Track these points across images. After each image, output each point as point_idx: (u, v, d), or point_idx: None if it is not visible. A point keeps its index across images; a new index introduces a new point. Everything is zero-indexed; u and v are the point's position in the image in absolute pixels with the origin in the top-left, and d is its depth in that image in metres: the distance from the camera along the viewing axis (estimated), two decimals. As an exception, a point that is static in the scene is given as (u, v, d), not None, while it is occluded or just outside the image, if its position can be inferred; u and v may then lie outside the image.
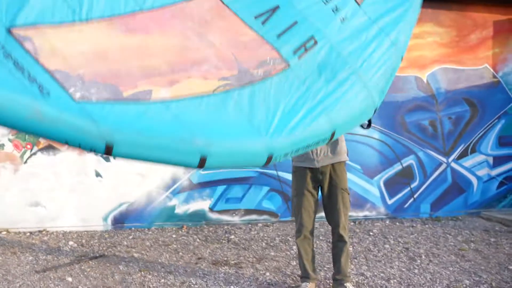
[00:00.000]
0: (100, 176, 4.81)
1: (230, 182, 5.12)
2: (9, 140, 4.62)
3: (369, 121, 2.54)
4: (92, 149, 1.43)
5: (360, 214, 5.42)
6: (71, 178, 4.76)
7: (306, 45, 1.92)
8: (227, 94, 1.72)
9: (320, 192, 2.89)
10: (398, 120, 5.55)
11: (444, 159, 5.69)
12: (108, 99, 1.52)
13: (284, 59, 1.86)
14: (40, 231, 4.63)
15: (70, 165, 4.75)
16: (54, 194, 4.70)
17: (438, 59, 5.69)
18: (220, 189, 5.09)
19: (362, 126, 2.62)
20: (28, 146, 4.65)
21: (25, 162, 4.65)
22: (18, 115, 1.30)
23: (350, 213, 5.28)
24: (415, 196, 5.60)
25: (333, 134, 1.85)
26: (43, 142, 4.69)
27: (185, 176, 4.99)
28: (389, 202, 5.53)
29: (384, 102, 5.35)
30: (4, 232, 4.54)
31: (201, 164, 1.58)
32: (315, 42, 1.94)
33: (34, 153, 4.68)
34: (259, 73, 1.82)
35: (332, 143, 2.67)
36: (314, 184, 2.83)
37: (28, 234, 4.54)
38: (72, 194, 4.75)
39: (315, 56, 1.92)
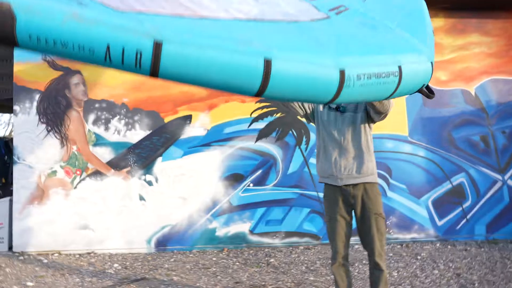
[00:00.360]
0: (144, 199, 4.97)
1: (270, 204, 5.08)
2: (61, 166, 4.92)
3: (430, 90, 2.27)
4: (138, 52, 1.23)
5: (407, 236, 5.14)
6: (117, 202, 4.96)
7: (339, 8, 2.02)
8: (292, 24, 1.72)
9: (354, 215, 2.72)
10: (444, 136, 5.27)
11: (499, 177, 5.29)
12: (160, 13, 1.39)
13: (324, 13, 1.95)
14: (88, 253, 4.83)
15: (116, 190, 4.96)
16: (102, 217, 4.92)
17: (486, 70, 5.38)
18: (260, 211, 5.07)
19: (426, 92, 2.20)
20: (78, 172, 4.93)
21: (75, 187, 4.92)
22: (55, 19, 1.20)
23: (396, 236, 5.08)
24: (468, 217, 5.23)
25: (400, 72, 1.70)
26: (91, 168, 4.95)
27: (225, 198, 5.03)
28: (439, 223, 5.20)
29: (429, 118, 5.19)
30: (56, 254, 4.79)
31: (266, 74, 1.36)
32: (346, 8, 2.04)
33: (83, 179, 4.94)
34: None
35: (358, 161, 2.55)
36: (347, 208, 2.66)
37: (78, 256, 4.76)
38: (118, 217, 4.94)
39: (351, 15, 2.00)
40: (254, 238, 5.03)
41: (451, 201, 5.24)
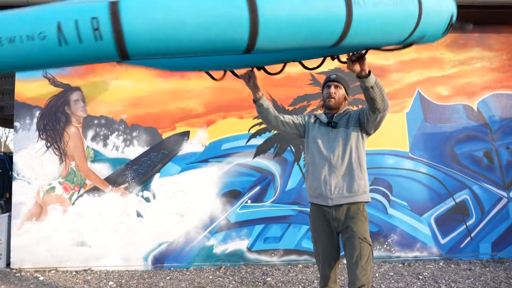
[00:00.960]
0: (141, 216, 4.94)
1: (268, 221, 5.01)
2: (59, 183, 4.93)
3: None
4: (93, 20, 1.05)
5: (410, 254, 5.02)
6: (115, 218, 4.94)
7: None
8: None
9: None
10: (447, 152, 5.17)
11: (504, 193, 5.16)
12: None
13: None
14: (85, 270, 4.80)
15: (113, 206, 4.95)
16: (99, 234, 4.90)
17: (489, 85, 5.30)
18: (258, 228, 5.00)
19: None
20: (76, 188, 4.94)
21: (73, 203, 4.92)
22: None
23: (398, 254, 4.95)
24: (472, 235, 5.09)
25: (420, 8, 1.58)
26: (89, 184, 4.95)
27: (222, 215, 4.98)
28: (442, 241, 5.07)
29: (430, 133, 5.11)
30: (53, 271, 4.77)
31: (253, 20, 1.13)
32: None
33: (81, 195, 4.94)
34: None
35: (349, 179, 2.38)
36: (332, 229, 2.48)
37: (74, 273, 4.73)
38: (115, 234, 4.91)
39: None
40: (252, 256, 4.95)
41: (455, 219, 5.11)
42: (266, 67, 2.36)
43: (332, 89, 2.53)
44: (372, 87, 2.16)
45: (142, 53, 1.11)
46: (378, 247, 5.01)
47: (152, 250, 4.91)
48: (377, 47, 1.81)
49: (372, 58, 5.20)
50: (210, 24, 1.10)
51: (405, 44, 1.79)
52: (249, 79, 2.45)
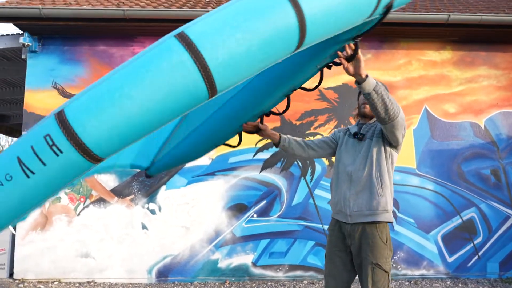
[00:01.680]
0: (146, 228, 4.92)
1: (274, 236, 4.98)
2: (65, 193, 4.93)
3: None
4: (46, 137, 1.02)
5: (416, 272, 4.96)
6: (120, 230, 4.92)
7: None
8: None
9: None
10: (454, 169, 5.15)
11: (511, 212, 5.12)
12: None
13: None
14: (88, 282, 4.76)
15: (119, 218, 4.93)
16: (103, 245, 4.87)
17: (496, 103, 5.31)
18: (264, 243, 4.96)
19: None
20: (82, 199, 4.93)
21: (78, 214, 4.90)
22: None
23: (404, 271, 4.90)
24: (479, 253, 5.04)
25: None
26: (95, 195, 4.94)
27: (228, 229, 4.95)
28: (449, 260, 5.02)
29: (437, 150, 5.10)
30: (56, 283, 4.73)
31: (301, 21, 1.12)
32: None
33: (87, 206, 4.93)
34: None
35: (368, 196, 2.15)
36: (345, 248, 2.26)
37: (77, 285, 4.69)
38: (120, 246, 4.88)
39: None
40: (257, 271, 4.90)
41: (462, 237, 5.07)
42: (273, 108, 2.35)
43: None
44: (369, 94, 1.92)
45: (110, 149, 1.06)
46: (384, 264, 4.96)
47: (156, 263, 4.87)
48: (355, 34, 1.71)
49: (379, 75, 5.23)
50: (167, 105, 1.06)
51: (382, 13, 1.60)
52: (261, 131, 2.36)
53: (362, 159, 2.23)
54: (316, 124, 5.12)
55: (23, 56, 4.99)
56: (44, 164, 1.00)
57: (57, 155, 0.99)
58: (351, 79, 2.20)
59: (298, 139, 2.49)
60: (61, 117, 0.99)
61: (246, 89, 2.10)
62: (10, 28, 14.80)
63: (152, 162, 2.52)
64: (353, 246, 2.21)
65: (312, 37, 1.19)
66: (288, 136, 2.48)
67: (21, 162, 1.00)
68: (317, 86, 2.11)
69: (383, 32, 5.17)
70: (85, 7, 4.71)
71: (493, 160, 5.20)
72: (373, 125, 2.31)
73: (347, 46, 1.81)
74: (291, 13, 1.09)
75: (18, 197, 1.05)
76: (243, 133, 2.42)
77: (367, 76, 1.91)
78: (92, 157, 1.02)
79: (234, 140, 2.47)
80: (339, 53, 1.83)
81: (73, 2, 5.03)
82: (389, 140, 2.18)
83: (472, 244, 5.05)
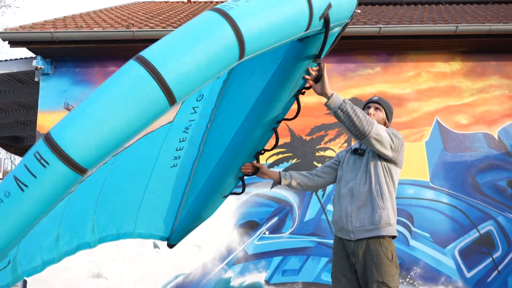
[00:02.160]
0: (158, 247, 4.89)
1: (286, 253, 4.91)
2: (77, 213, 4.94)
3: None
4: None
5: (434, 289, 4.83)
6: (131, 249, 4.90)
7: None
8: None
9: None
10: (468, 181, 5.05)
11: (530, 224, 4.98)
12: None
13: None
14: (101, 303, 4.73)
15: (130, 237, 4.91)
16: (115, 265, 4.85)
17: (510, 113, 5.23)
18: (276, 260, 4.89)
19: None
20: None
21: (90, 234, 4.90)
22: None
23: (422, 287, 4.78)
24: (499, 268, 4.89)
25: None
26: (107, 214, 4.95)
27: (240, 246, 4.90)
28: (468, 275, 4.87)
29: (451, 162, 5.02)
30: (69, 304, 4.71)
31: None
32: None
33: (99, 226, 4.93)
34: None
35: (370, 208, 2.12)
36: (350, 267, 2.20)
37: (90, 306, 4.66)
38: (132, 266, 4.86)
39: None
40: (270, 289, 4.83)
41: (480, 251, 4.93)
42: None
43: (372, 110, 2.31)
44: (335, 112, 1.97)
45: (91, 158, 1.18)
46: (400, 281, 4.84)
47: (168, 282, 4.83)
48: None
49: (388, 88, 5.21)
50: (134, 115, 1.19)
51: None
52: (259, 170, 2.36)
53: (363, 174, 2.21)
54: (326, 139, 5.09)
55: (36, 79, 5.09)
56: (35, 177, 1.14)
57: (45, 166, 1.13)
58: (360, 93, 2.20)
59: (301, 172, 2.44)
60: (47, 136, 1.14)
61: (237, 135, 2.18)
62: (23, 52, 15.15)
63: (172, 231, 2.70)
64: (357, 265, 2.14)
65: (251, 51, 1.32)
66: (290, 171, 2.43)
67: (16, 179, 1.15)
68: (297, 114, 2.15)
69: (391, 45, 5.17)
70: (95, 29, 4.81)
71: (509, 171, 5.09)
72: None
73: (310, 69, 1.90)
74: (230, 34, 1.24)
75: (16, 212, 1.18)
76: (246, 178, 2.48)
77: (333, 94, 1.98)
78: (75, 167, 1.15)
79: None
80: (306, 76, 1.92)
81: (84, 25, 5.15)
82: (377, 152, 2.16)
83: (491, 259, 4.91)
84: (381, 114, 2.32)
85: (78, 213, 2.23)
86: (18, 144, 9.75)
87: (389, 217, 2.12)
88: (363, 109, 2.39)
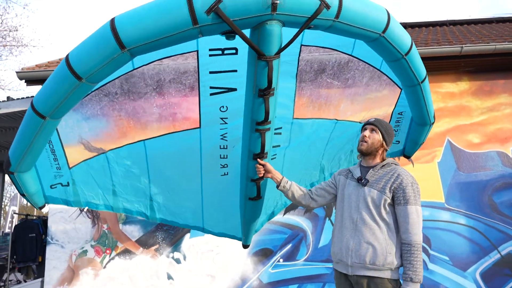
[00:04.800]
0: (172, 278, 4.85)
1: (302, 280, 4.82)
2: (91, 246, 4.97)
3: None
4: None
5: (457, 314, 4.66)
6: (145, 281, 4.87)
7: None
8: None
9: None
10: (485, 201, 4.96)
11: (553, 244, 4.83)
12: None
13: None
14: (115, 338, 4.67)
15: (144, 269, 4.90)
16: (130, 298, 4.81)
17: (522, 130, 5.17)
18: (292, 288, 4.80)
19: None
20: (108, 251, 4.94)
21: (104, 267, 4.90)
22: None
23: (443, 315, 4.61)
24: (524, 290, 4.71)
25: None
26: (120, 247, 4.96)
27: (254, 275, 4.84)
28: (492, 299, 4.71)
29: (465, 182, 4.94)
30: None
31: None
32: None
33: (113, 258, 4.94)
34: None
35: (373, 249, 2.03)
36: None
37: None
38: (146, 298, 4.81)
39: None
40: (287, 319, 4.72)
41: (503, 273, 4.77)
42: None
43: (367, 132, 2.24)
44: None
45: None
46: (421, 307, 4.69)
47: (183, 315, 4.76)
48: None
49: (398, 110, 5.22)
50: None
51: None
52: (265, 171, 2.33)
53: (369, 209, 2.10)
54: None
55: (51, 115, 5.25)
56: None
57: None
58: (370, 116, 2.22)
59: (302, 187, 2.42)
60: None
61: (242, 139, 2.32)
62: (38, 89, 15.66)
63: (244, 234, 2.98)
64: None
65: (131, 37, 1.61)
66: (293, 182, 2.41)
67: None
68: (266, 116, 2.09)
69: (397, 68, 5.21)
70: (108, 65, 4.98)
71: (526, 189, 4.98)
72: (383, 174, 2.17)
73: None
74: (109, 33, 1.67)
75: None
76: None
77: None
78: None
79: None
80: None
81: (97, 61, 5.33)
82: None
83: (514, 281, 4.74)
84: (377, 136, 2.22)
85: (134, 185, 2.64)
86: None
87: (394, 261, 2.02)
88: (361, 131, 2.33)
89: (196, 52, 2.09)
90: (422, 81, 2.21)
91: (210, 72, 2.19)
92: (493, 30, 6.68)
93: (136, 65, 2.20)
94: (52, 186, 2.56)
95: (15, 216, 16.13)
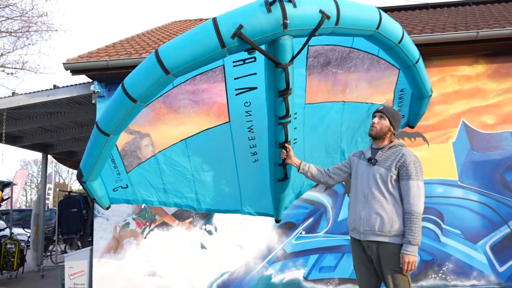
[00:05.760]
0: (205, 248, 5.41)
1: (322, 251, 5.28)
2: (133, 219, 5.56)
3: None
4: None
5: (467, 283, 5.04)
6: (181, 250, 5.44)
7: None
8: None
9: None
10: (497, 179, 5.24)
11: (562, 219, 5.09)
12: None
13: None
14: (156, 299, 5.29)
15: (180, 239, 5.46)
16: (168, 265, 5.41)
17: (536, 111, 5.37)
18: (313, 258, 5.28)
19: None
20: (147, 224, 5.53)
21: (145, 237, 5.50)
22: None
23: (455, 282, 4.99)
24: (532, 262, 5.03)
25: None
26: (159, 220, 5.53)
27: (279, 246, 5.33)
28: (500, 269, 5.05)
29: (479, 162, 5.27)
30: (129, 299, 5.30)
31: None
32: None
33: (152, 230, 5.52)
34: None
35: (381, 219, 2.41)
36: (367, 257, 2.53)
37: (147, 301, 5.23)
38: (182, 265, 5.39)
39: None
40: (308, 285, 5.21)
41: (511, 246, 5.09)
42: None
43: (376, 119, 2.59)
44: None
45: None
46: (433, 276, 5.09)
47: (215, 280, 5.33)
48: None
49: (414, 93, 5.48)
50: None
51: None
52: (288, 157, 2.77)
53: (378, 185, 2.46)
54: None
55: (93, 101, 5.77)
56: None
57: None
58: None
59: (319, 167, 2.83)
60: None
61: (268, 131, 2.81)
62: (79, 78, 16.38)
63: (276, 210, 3.51)
64: (373, 256, 2.48)
65: (172, 63, 2.04)
66: (310, 164, 2.82)
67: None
68: (287, 112, 2.55)
69: (414, 53, 5.45)
70: (143, 55, 5.43)
71: (538, 168, 5.23)
72: (390, 155, 2.51)
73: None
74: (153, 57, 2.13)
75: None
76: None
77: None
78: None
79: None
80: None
81: (133, 52, 5.79)
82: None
83: (523, 253, 5.06)
84: (385, 122, 2.57)
85: (181, 182, 3.16)
86: (72, 158, 10.66)
87: (398, 229, 2.38)
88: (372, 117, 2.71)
89: (222, 66, 2.52)
90: (416, 62, 2.63)
91: (235, 79, 2.63)
92: (514, 11, 6.73)
93: (175, 84, 2.67)
94: (115, 189, 3.07)
95: (50, 193, 17.26)
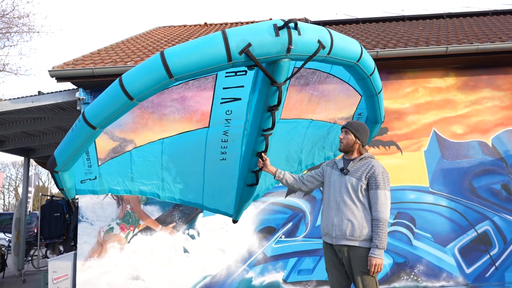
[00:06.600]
0: (187, 252, 5.56)
1: (301, 254, 5.50)
2: (117, 223, 5.67)
3: None
4: None
5: (436, 284, 5.33)
6: (164, 254, 5.58)
7: None
8: None
9: None
10: (465, 186, 5.56)
11: (525, 224, 5.44)
12: None
13: None
14: (139, 302, 5.41)
15: (163, 243, 5.60)
16: (151, 268, 5.53)
17: (502, 122, 5.72)
18: (292, 261, 5.49)
19: None
20: (131, 228, 5.65)
21: (129, 241, 5.62)
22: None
23: (425, 284, 5.28)
24: (496, 264, 5.36)
25: None
26: (142, 224, 5.66)
27: (259, 249, 5.52)
28: (467, 271, 5.36)
29: (449, 169, 5.59)
30: (112, 303, 5.41)
31: None
32: None
33: (136, 234, 5.64)
34: None
35: (351, 224, 2.61)
36: (339, 260, 2.72)
37: (131, 304, 5.35)
38: (165, 268, 5.53)
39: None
40: (287, 287, 5.42)
41: (478, 249, 5.41)
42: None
43: (342, 135, 2.84)
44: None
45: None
46: (405, 277, 5.36)
47: (198, 283, 5.48)
48: None
49: (388, 103, 5.76)
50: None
51: None
52: (264, 166, 2.99)
53: (349, 193, 2.66)
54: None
55: (78, 108, 5.87)
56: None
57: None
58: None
59: (294, 174, 3.06)
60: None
61: (248, 139, 3.00)
62: (65, 84, 16.15)
63: (234, 210, 3.63)
64: (344, 259, 2.68)
65: (178, 69, 2.06)
66: (285, 171, 3.04)
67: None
68: (273, 125, 2.76)
69: (389, 66, 5.75)
70: (128, 64, 5.57)
71: (503, 175, 5.58)
72: (361, 166, 2.73)
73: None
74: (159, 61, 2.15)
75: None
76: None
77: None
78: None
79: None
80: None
81: (118, 59, 5.92)
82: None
83: (488, 256, 5.39)
84: (351, 137, 2.80)
85: (150, 170, 3.21)
86: (55, 163, 10.61)
87: (367, 234, 2.59)
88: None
89: (216, 75, 2.69)
90: (379, 93, 2.92)
91: (224, 88, 2.80)
92: (485, 28, 7.11)
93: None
94: (82, 181, 3.06)
95: (31, 196, 17.05)
